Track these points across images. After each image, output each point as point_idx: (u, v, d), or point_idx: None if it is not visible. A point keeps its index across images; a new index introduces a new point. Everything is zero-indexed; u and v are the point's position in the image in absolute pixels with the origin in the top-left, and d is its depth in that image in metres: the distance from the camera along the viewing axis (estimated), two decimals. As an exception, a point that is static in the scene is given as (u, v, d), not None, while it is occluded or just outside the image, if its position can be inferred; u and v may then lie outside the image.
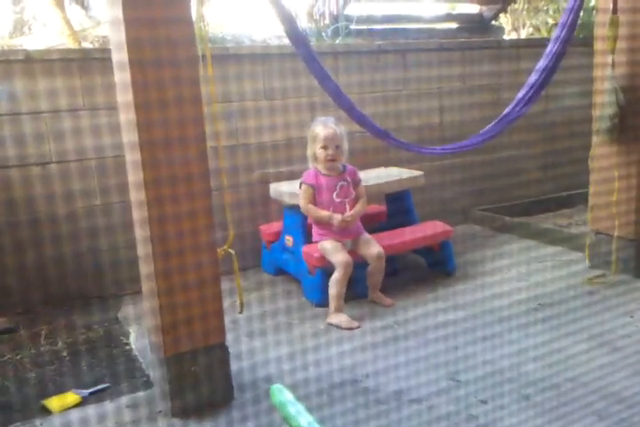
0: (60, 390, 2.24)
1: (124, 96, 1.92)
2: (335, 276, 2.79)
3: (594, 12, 3.06)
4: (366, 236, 2.97)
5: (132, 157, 1.97)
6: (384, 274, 2.92)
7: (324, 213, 2.89)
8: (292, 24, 2.51)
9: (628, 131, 2.95)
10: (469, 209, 4.29)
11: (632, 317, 2.65)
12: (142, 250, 2.04)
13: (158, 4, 1.81)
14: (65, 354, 2.55)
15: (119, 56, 1.90)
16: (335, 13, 4.57)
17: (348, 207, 2.92)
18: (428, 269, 3.37)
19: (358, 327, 2.69)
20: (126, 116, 1.95)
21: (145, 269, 2.06)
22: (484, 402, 2.06)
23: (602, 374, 2.19)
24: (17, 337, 2.73)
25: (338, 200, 2.92)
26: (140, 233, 2.02)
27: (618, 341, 2.45)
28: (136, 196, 2.00)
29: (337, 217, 2.86)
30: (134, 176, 1.98)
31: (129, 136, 1.96)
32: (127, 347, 2.62)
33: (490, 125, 3.09)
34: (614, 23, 2.82)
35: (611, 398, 2.04)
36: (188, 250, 1.98)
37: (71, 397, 2.18)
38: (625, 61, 2.92)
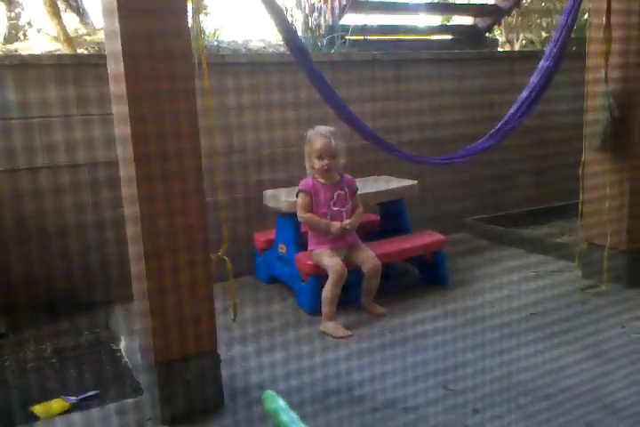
0: (49, 396, 2.21)
1: (119, 106, 1.92)
2: (328, 284, 2.78)
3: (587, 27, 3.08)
4: (363, 246, 2.96)
5: (126, 170, 1.97)
6: (378, 284, 2.91)
7: (323, 221, 2.89)
8: (290, 34, 2.52)
9: (621, 147, 2.97)
10: (463, 219, 4.30)
11: (624, 327, 2.66)
12: (135, 264, 2.04)
13: (154, 16, 1.81)
14: (54, 360, 2.53)
15: (115, 68, 1.90)
16: (331, 24, 4.60)
17: (345, 216, 2.92)
18: (421, 278, 3.37)
19: (350, 336, 2.68)
20: (121, 130, 1.95)
21: (137, 280, 2.04)
22: (477, 411, 2.05)
23: (595, 385, 2.18)
24: (5, 343, 2.70)
25: (335, 209, 2.92)
26: (134, 248, 2.02)
27: (610, 350, 2.44)
28: (130, 210, 2.00)
29: (335, 224, 2.86)
30: (128, 189, 1.98)
31: (123, 149, 1.95)
32: (117, 353, 2.60)
33: (485, 137, 3.09)
34: (607, 39, 2.84)
35: (605, 410, 2.03)
36: (182, 262, 1.96)
37: (59, 403, 2.15)
38: (618, 77, 2.95)
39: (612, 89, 2.92)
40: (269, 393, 1.91)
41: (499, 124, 3.05)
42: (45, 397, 2.21)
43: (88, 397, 2.21)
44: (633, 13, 2.87)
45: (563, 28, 2.89)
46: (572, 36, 2.96)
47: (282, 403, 1.86)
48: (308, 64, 2.56)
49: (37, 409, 2.12)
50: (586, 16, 3.83)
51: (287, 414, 1.81)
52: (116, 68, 1.89)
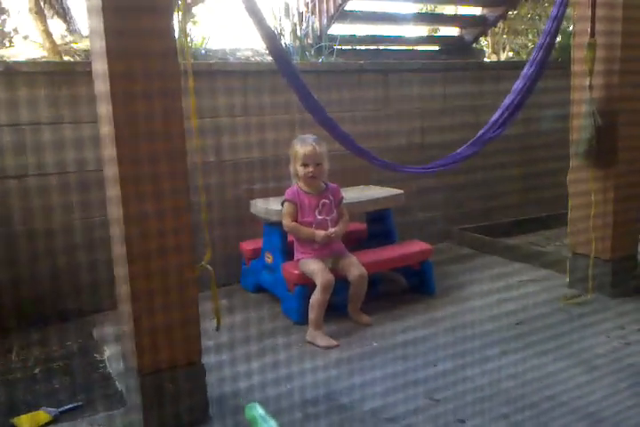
0: (31, 408, 2.17)
1: (104, 106, 1.91)
2: (316, 294, 2.77)
3: (572, 34, 3.12)
4: (349, 255, 2.96)
5: (110, 170, 1.96)
6: (365, 293, 2.91)
7: (308, 231, 2.89)
8: (273, 41, 2.53)
9: (605, 155, 2.98)
10: (450, 228, 4.31)
11: (608, 336, 2.67)
12: (120, 267, 2.01)
13: (143, 35, 1.82)
14: (37, 371, 2.49)
15: (99, 67, 1.90)
16: (319, 33, 4.62)
17: (330, 225, 2.92)
18: (408, 287, 3.37)
19: (337, 346, 2.67)
20: (105, 130, 1.94)
21: (121, 286, 2.02)
22: (462, 421, 2.05)
23: (579, 393, 2.19)
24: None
25: (320, 218, 2.92)
26: (117, 250, 2.00)
27: (594, 359, 2.45)
28: (114, 211, 1.98)
29: (320, 233, 2.86)
30: (113, 191, 1.96)
31: (108, 149, 1.94)
32: (101, 364, 2.57)
33: (465, 146, 3.12)
34: (592, 46, 2.86)
35: (589, 419, 2.03)
36: (167, 267, 1.95)
37: (41, 415, 2.12)
38: (602, 84, 2.96)
39: (597, 97, 2.93)
40: (251, 404, 1.92)
41: (482, 130, 3.08)
42: (27, 408, 2.17)
43: (71, 408, 2.18)
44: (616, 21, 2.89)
45: (547, 33, 2.93)
46: (556, 44, 3.01)
47: (261, 411, 1.86)
48: (288, 68, 2.56)
49: (18, 421, 2.08)
50: (571, 25, 3.88)
51: (266, 422, 1.82)
52: (100, 67, 1.88)
